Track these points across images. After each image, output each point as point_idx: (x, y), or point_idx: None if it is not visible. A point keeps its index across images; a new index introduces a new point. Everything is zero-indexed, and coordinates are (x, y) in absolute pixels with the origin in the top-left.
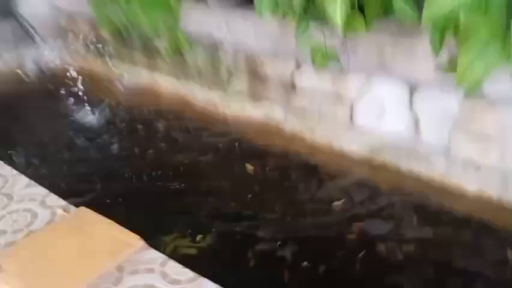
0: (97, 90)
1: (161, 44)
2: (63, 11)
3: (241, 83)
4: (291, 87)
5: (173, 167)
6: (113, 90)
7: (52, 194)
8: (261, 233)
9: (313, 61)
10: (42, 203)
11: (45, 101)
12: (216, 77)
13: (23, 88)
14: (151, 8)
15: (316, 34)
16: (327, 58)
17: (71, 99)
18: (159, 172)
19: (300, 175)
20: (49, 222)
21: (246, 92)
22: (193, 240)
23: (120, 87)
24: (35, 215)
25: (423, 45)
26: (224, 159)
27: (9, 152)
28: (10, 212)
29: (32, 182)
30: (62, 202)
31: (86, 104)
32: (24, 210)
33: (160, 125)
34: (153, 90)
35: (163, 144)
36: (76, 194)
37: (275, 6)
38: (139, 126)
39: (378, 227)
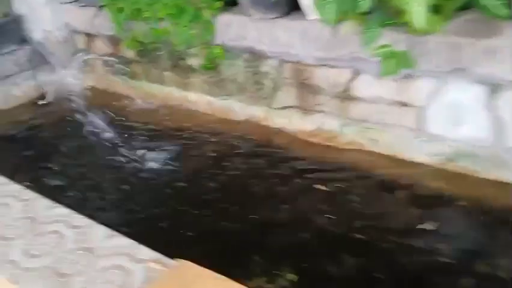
0: (123, 112)
1: (195, 61)
2: (80, 33)
3: (288, 96)
4: (347, 97)
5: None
6: (141, 112)
7: (139, 244)
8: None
9: (383, 68)
10: (131, 257)
11: (72, 127)
12: (258, 91)
13: (46, 115)
14: (184, 23)
15: (384, 39)
16: (401, 65)
17: (97, 124)
18: (231, 202)
19: (369, 189)
20: (148, 280)
21: (294, 104)
22: None
23: (148, 107)
24: (128, 273)
25: (507, 43)
26: (283, 176)
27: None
28: (98, 271)
29: (113, 232)
30: (154, 254)
31: (116, 128)
32: (114, 267)
33: (203, 145)
34: (185, 108)
35: (214, 166)
36: (161, 242)
37: (341, 12)
38: (185, 149)
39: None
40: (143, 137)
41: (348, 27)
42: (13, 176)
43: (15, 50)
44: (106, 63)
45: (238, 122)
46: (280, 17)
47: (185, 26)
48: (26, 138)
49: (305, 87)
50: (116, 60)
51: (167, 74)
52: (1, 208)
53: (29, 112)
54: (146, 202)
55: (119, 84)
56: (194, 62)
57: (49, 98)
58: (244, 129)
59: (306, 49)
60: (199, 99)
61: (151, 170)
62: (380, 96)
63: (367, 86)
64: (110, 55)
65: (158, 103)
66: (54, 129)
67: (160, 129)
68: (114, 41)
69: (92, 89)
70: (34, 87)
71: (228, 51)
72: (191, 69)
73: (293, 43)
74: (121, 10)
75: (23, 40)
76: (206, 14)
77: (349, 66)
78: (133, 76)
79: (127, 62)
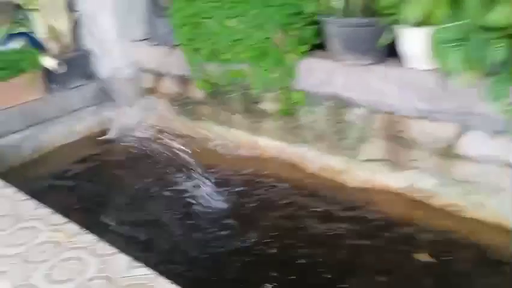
0: (187, 152)
1: (269, 105)
2: (148, 71)
3: (375, 148)
4: (450, 154)
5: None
6: (207, 155)
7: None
8: None
9: None
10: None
11: (134, 165)
12: (340, 140)
13: (108, 152)
14: (266, 66)
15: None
16: None
17: (162, 166)
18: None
19: (474, 262)
20: None
21: (382, 158)
22: None
23: (216, 150)
24: None
25: None
26: (368, 236)
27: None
28: None
29: (135, 262)
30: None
31: (182, 171)
32: None
33: (273, 196)
34: (255, 154)
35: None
36: None
37: (467, 61)
38: (256, 199)
39: None
40: (207, 180)
41: (467, 79)
42: (68, 215)
43: (82, 85)
44: (172, 103)
45: (311, 172)
46: (375, 63)
47: (266, 70)
48: (86, 175)
49: (398, 140)
50: (184, 100)
51: (237, 116)
52: (27, 231)
53: (90, 148)
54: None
55: (184, 125)
56: (269, 106)
57: (112, 134)
58: (318, 179)
59: (405, 99)
60: (269, 145)
61: (215, 218)
62: (491, 156)
63: (477, 143)
64: (178, 95)
65: (225, 146)
66: (116, 166)
67: (226, 172)
68: (183, 81)
69: (156, 127)
70: (97, 123)
71: (309, 97)
72: (264, 113)
73: (389, 92)
74: (197, 50)
75: (90, 75)
76: (290, 58)
77: (457, 120)
78: (199, 117)
79: (195, 102)
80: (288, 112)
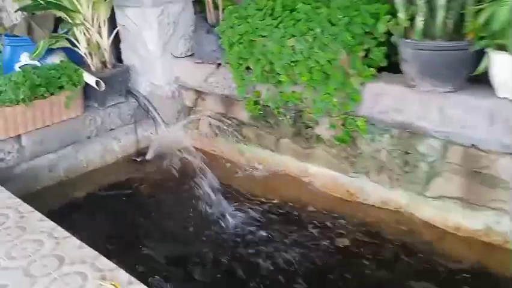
0: (228, 176)
1: (325, 131)
2: (189, 89)
3: (449, 184)
4: None
5: None
6: (250, 181)
7: None
8: None
9: None
10: None
11: (171, 190)
12: (406, 173)
13: (145, 174)
14: (327, 90)
15: None
16: None
17: (199, 188)
18: None
19: None
20: None
21: (456, 195)
22: None
23: (259, 177)
24: None
25: None
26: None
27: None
28: None
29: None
30: None
31: (218, 194)
32: None
33: (326, 231)
34: (301, 181)
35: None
36: None
37: None
38: (303, 234)
39: None
40: (249, 208)
41: None
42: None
43: (120, 103)
44: (214, 124)
45: (368, 206)
46: (455, 91)
47: (328, 93)
48: (122, 198)
49: (478, 177)
50: (227, 121)
51: (285, 141)
52: (32, 244)
53: (126, 170)
54: None
55: (226, 147)
56: (324, 132)
57: (149, 155)
58: (378, 216)
59: (490, 132)
60: (320, 173)
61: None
62: None
63: None
64: (221, 115)
65: (268, 171)
66: (154, 189)
67: (270, 201)
68: (227, 101)
69: (196, 149)
70: (134, 142)
71: (373, 124)
72: (317, 139)
73: (470, 123)
74: (248, 70)
75: (129, 92)
76: (355, 81)
77: None
78: (242, 139)
79: (239, 124)
80: (347, 139)
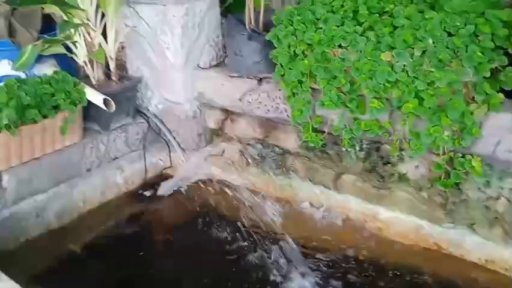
0: (267, 219)
1: (413, 169)
2: (216, 107)
3: None
4: None
5: None
6: (297, 223)
7: None
8: None
9: None
10: None
11: (189, 239)
12: None
13: (155, 216)
14: (440, 121)
15: None
16: None
17: (225, 234)
18: None
19: None
20: None
21: None
22: None
23: (310, 217)
24: None
25: None
26: None
27: None
28: None
29: None
30: None
31: (257, 244)
32: None
33: None
34: (368, 227)
35: None
36: None
37: None
38: None
39: None
40: (307, 266)
41: None
42: None
43: (128, 124)
44: (247, 152)
45: (465, 262)
46: None
47: (437, 125)
48: (128, 247)
49: None
50: (266, 149)
51: (349, 177)
52: None
53: (132, 208)
54: None
55: (264, 181)
56: (412, 170)
57: (162, 190)
58: (478, 275)
59: None
60: (396, 220)
61: None
62: None
63: None
64: (257, 141)
65: (324, 213)
66: (163, 237)
67: (330, 253)
68: (268, 125)
69: (222, 183)
70: (141, 172)
71: (489, 165)
72: (400, 179)
73: None
74: (306, 90)
75: (137, 111)
76: (479, 111)
77: None
78: (287, 172)
79: (283, 153)
80: (451, 183)
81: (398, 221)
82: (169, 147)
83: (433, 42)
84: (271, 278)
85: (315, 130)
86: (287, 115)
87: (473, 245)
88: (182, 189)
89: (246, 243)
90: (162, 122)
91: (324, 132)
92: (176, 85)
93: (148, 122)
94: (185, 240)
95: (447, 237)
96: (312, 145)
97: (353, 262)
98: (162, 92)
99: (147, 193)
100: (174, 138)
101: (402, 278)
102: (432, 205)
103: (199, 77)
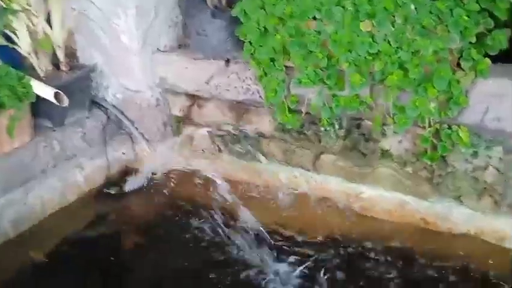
0: (246, 207)
1: (396, 143)
2: (181, 94)
3: None
4: None
5: None
6: (274, 210)
7: None
8: None
9: None
10: None
11: (167, 237)
12: None
13: (121, 216)
14: (426, 93)
15: None
16: None
17: (202, 231)
18: None
19: None
20: None
21: None
22: None
23: (286, 205)
24: None
25: None
26: None
27: None
28: None
29: None
30: None
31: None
32: None
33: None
34: (351, 207)
35: None
36: None
37: None
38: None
39: None
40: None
41: None
42: None
43: (84, 117)
44: (219, 138)
45: (455, 236)
46: None
47: (423, 97)
48: (92, 253)
49: None
50: (239, 134)
51: (329, 157)
52: None
53: (96, 208)
54: None
55: (239, 167)
56: (395, 146)
57: (129, 186)
58: (469, 248)
59: None
60: (380, 198)
61: None
62: None
63: None
64: (229, 127)
65: (301, 196)
66: (134, 238)
67: (314, 239)
68: (240, 108)
69: (194, 174)
70: (105, 169)
71: (477, 135)
72: (382, 156)
73: None
74: (280, 68)
75: (94, 103)
76: (466, 78)
77: None
78: (263, 157)
79: (257, 137)
80: (437, 156)
81: (383, 198)
82: (132, 139)
83: (415, 8)
84: (250, 266)
85: (291, 111)
86: (260, 96)
87: (461, 218)
88: (151, 183)
89: (221, 237)
90: (122, 113)
91: (301, 112)
92: (134, 71)
93: (106, 113)
94: (159, 240)
95: (434, 212)
96: (290, 127)
97: (337, 244)
98: (120, 80)
99: (112, 191)
100: (137, 129)
101: (389, 255)
102: (417, 180)
103: (160, 61)
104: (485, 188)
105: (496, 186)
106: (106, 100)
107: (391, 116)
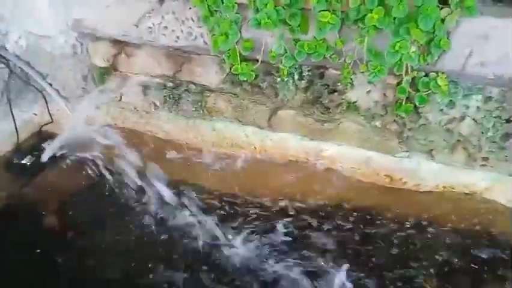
0: (183, 173)
1: (364, 95)
2: (103, 39)
3: None
4: None
5: None
6: (227, 176)
7: None
8: None
9: None
10: None
11: (85, 214)
12: (502, 149)
13: (37, 190)
14: (405, 33)
15: None
16: None
17: (135, 201)
18: None
19: None
20: None
21: None
22: None
23: (240, 168)
24: None
25: None
26: None
27: None
28: None
29: None
30: None
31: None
32: None
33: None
34: (312, 166)
35: None
36: None
37: None
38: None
39: None
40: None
41: None
42: None
43: None
44: (153, 93)
45: (424, 193)
46: None
47: (404, 40)
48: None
49: None
50: (178, 88)
51: (287, 113)
52: None
53: (5, 184)
54: None
55: (180, 127)
56: (363, 97)
57: (46, 154)
58: (436, 205)
59: None
60: (344, 155)
61: None
62: None
63: None
64: (164, 78)
65: (255, 159)
66: (51, 214)
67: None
68: (179, 56)
69: (124, 132)
70: (12, 135)
71: (454, 82)
72: (348, 108)
73: None
74: (230, 5)
75: None
76: (452, 17)
77: None
78: (207, 114)
79: (201, 91)
80: (410, 107)
81: (346, 156)
82: (44, 97)
83: None
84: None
85: (243, 59)
86: (204, 42)
87: (430, 173)
88: (72, 151)
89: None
90: (29, 64)
91: (257, 61)
92: (40, 11)
93: (8, 66)
94: (68, 211)
95: (400, 167)
96: (243, 78)
97: (296, 206)
98: (22, 24)
99: (25, 161)
100: (50, 84)
101: (351, 216)
102: (386, 134)
103: (74, 1)
104: (458, 140)
105: (471, 138)
106: (6, 49)
107: (364, 63)
